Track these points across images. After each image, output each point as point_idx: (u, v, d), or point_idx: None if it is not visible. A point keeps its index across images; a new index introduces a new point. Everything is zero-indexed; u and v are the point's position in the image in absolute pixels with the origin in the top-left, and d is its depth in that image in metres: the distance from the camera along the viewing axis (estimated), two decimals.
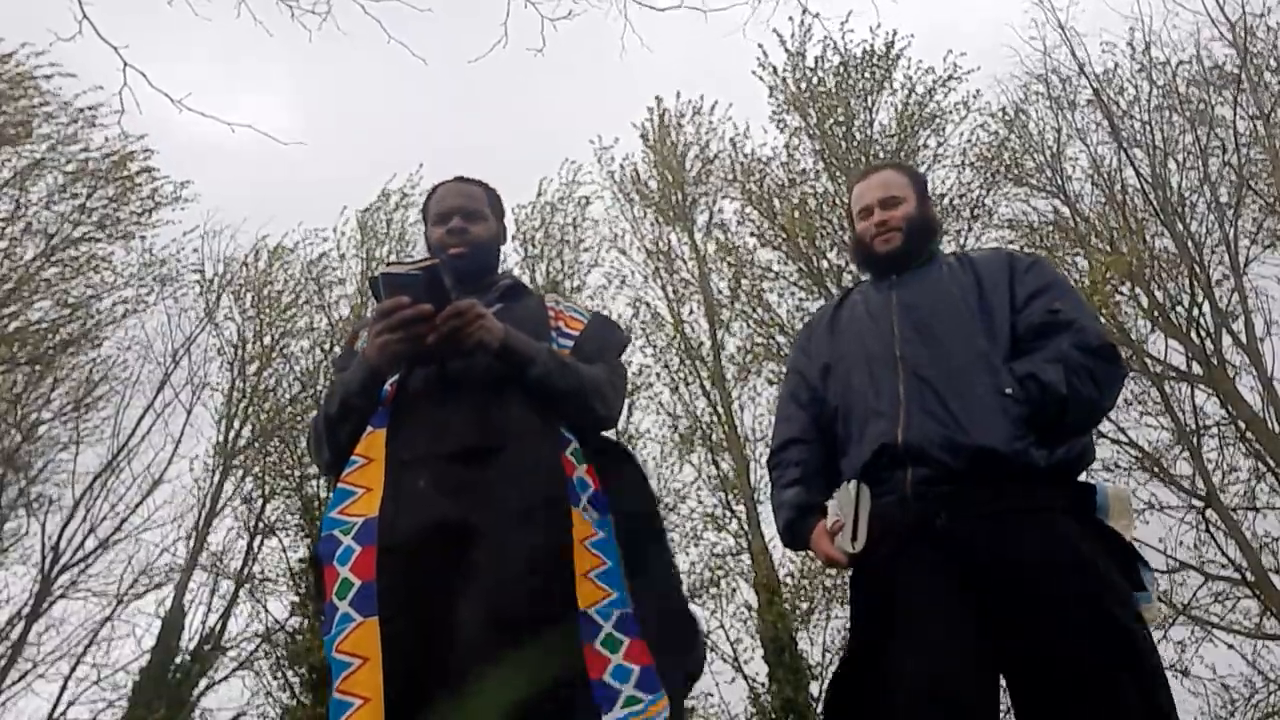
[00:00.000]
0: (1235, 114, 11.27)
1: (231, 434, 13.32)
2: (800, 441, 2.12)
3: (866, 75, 12.90)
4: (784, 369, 2.34)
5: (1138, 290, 10.69)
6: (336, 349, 12.28)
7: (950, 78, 12.60)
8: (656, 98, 14.71)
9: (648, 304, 13.78)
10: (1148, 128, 11.63)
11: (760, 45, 13.02)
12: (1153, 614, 1.82)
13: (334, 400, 1.92)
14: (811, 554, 2.10)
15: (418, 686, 1.57)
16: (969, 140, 12.69)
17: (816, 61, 13.03)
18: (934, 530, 1.83)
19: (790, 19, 12.77)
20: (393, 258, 13.81)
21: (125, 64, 4.55)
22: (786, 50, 13.02)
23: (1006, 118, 12.70)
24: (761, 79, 13.09)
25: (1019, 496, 1.83)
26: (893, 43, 12.87)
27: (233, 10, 5.02)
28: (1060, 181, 12.19)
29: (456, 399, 1.84)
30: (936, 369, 1.95)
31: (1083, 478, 1.98)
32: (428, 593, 1.63)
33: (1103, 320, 10.23)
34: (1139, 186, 11.39)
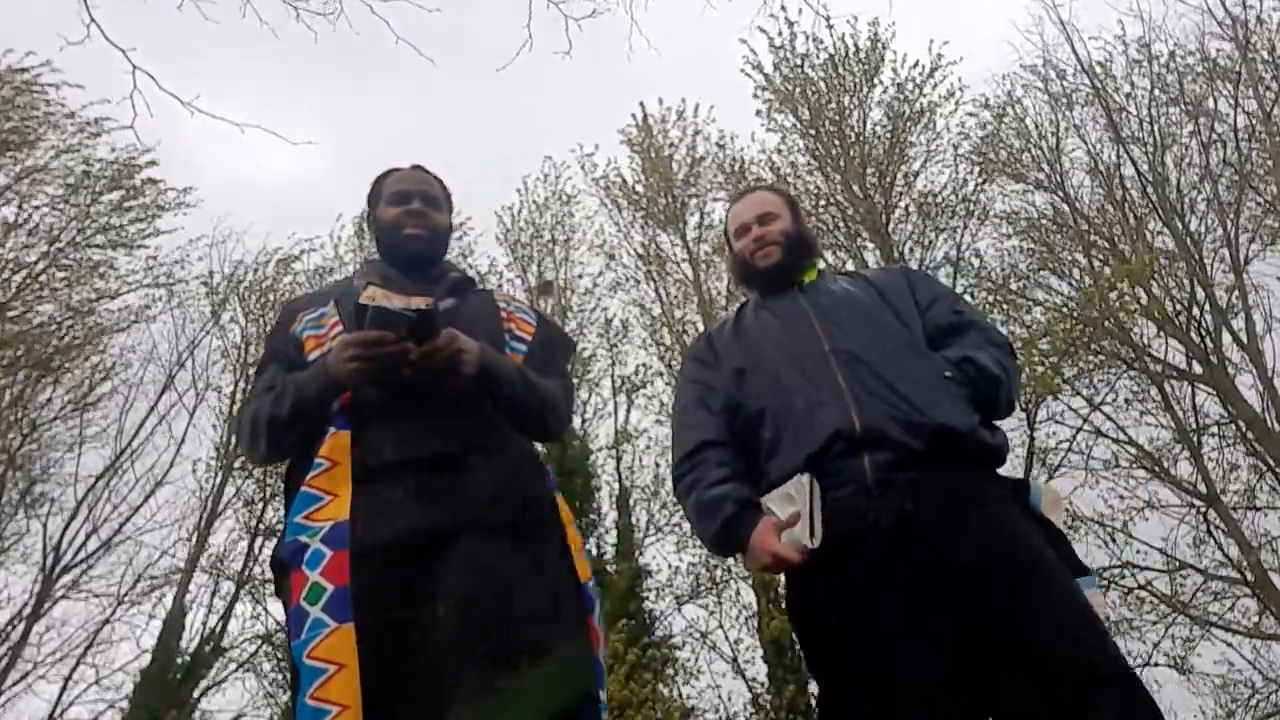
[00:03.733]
0: (1236, 110, 11.25)
1: (234, 436, 13.35)
2: (717, 444, 2.00)
3: (855, 70, 12.85)
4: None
5: (1138, 289, 10.65)
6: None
7: (935, 69, 12.57)
8: (640, 103, 14.70)
9: (643, 306, 13.79)
10: (1146, 124, 11.61)
11: (744, 41, 12.91)
12: (1099, 601, 1.80)
13: (284, 403, 1.85)
14: (743, 558, 1.93)
15: (394, 692, 1.57)
16: (960, 132, 12.69)
17: (803, 59, 12.99)
18: (900, 522, 1.76)
19: (773, 16, 12.61)
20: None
21: (134, 67, 4.54)
22: (774, 47, 12.97)
23: (997, 110, 12.67)
24: (750, 77, 13.05)
25: (977, 482, 1.84)
26: (877, 35, 12.84)
27: (238, 11, 5.01)
28: (1059, 178, 12.16)
29: (420, 404, 1.82)
30: (872, 355, 1.93)
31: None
32: (402, 598, 1.63)
33: (1105, 320, 10.24)
34: (1138, 183, 11.36)
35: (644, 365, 13.44)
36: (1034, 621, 1.65)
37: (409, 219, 2.09)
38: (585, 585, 1.78)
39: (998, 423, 2.01)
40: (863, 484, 1.81)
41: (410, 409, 1.82)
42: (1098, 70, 12.02)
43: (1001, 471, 1.95)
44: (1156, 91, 11.75)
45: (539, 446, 2.00)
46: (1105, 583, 9.86)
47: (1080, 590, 1.75)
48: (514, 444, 1.90)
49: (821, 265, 2.33)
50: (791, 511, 1.80)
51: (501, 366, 1.90)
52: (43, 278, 12.22)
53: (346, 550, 1.66)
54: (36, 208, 12.25)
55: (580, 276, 14.52)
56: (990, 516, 1.80)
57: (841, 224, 12.42)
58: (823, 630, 1.85)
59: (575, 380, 11.99)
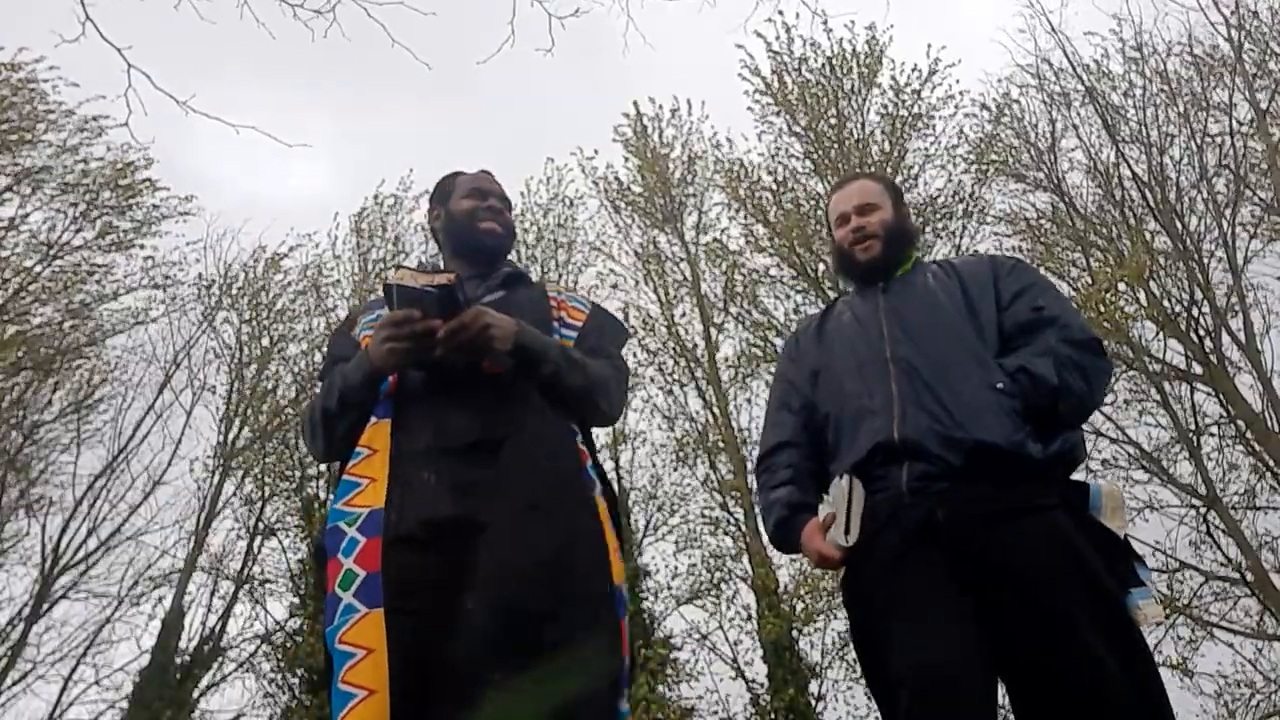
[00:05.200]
0: (1231, 108, 11.27)
1: (231, 435, 13.34)
2: (790, 445, 2.12)
3: (852, 75, 12.86)
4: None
5: (1136, 289, 10.67)
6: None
7: (933, 72, 12.58)
8: (634, 103, 14.68)
9: (639, 307, 13.74)
10: (1143, 126, 11.62)
11: (741, 46, 12.92)
12: (1155, 610, 1.79)
13: (333, 394, 1.90)
14: (803, 556, 2.09)
15: (423, 678, 1.57)
16: (959, 134, 12.71)
17: (800, 63, 12.99)
18: (932, 527, 1.82)
19: (770, 20, 12.61)
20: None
21: (129, 65, 4.51)
22: (772, 52, 12.97)
23: (994, 111, 12.69)
24: (749, 80, 13.06)
25: (1016, 495, 1.82)
26: (874, 39, 12.84)
27: (235, 12, 4.98)
28: (1057, 178, 12.16)
29: (460, 392, 1.83)
30: (928, 367, 1.96)
31: (1077, 476, 1.98)
32: (434, 585, 1.63)
33: (1103, 321, 10.24)
34: (1135, 183, 11.36)
35: (640, 368, 13.38)
36: (1054, 645, 1.67)
37: (486, 214, 2.13)
38: (616, 588, 1.74)
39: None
40: (898, 491, 1.88)
41: (450, 394, 1.82)
42: (1093, 68, 12.03)
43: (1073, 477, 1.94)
44: (1154, 88, 11.75)
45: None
46: None
47: (1122, 611, 1.74)
48: (556, 432, 1.87)
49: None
50: (829, 513, 1.92)
51: (541, 343, 1.88)
52: (41, 279, 12.20)
53: (380, 537, 1.67)
54: (37, 207, 12.24)
55: (579, 273, 14.51)
56: (1026, 530, 1.78)
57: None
58: (853, 619, 1.97)
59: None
